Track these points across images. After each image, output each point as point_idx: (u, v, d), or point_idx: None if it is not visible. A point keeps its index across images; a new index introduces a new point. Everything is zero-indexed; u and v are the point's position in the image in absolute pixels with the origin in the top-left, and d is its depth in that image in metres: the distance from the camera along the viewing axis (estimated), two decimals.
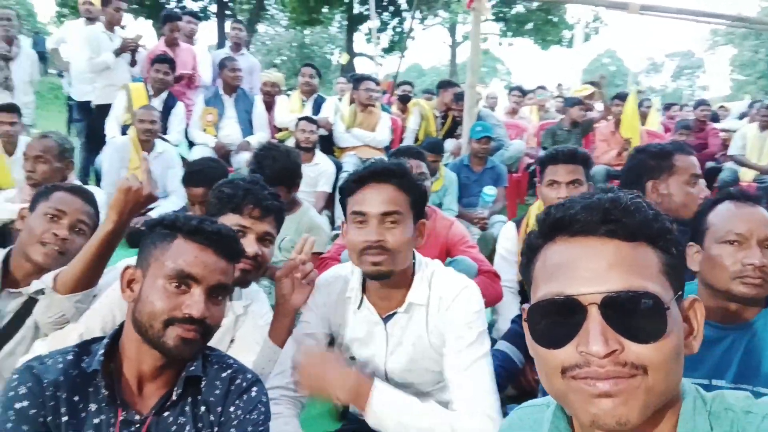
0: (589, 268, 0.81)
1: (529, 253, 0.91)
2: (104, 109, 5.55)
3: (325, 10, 26.42)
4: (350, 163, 5.32)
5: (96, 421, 1.26)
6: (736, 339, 1.62)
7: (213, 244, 1.35)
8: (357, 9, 26.07)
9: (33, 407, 1.20)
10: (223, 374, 1.39)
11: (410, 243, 1.68)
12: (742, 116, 9.19)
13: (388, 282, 1.69)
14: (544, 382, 0.85)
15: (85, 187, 2.14)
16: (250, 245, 1.77)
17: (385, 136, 5.72)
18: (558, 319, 0.81)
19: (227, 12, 26.70)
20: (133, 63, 5.91)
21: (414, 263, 1.75)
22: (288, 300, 1.78)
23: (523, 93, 8.26)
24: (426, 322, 1.72)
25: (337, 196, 2.01)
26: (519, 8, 25.13)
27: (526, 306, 0.89)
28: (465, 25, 27.94)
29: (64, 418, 1.23)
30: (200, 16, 26.10)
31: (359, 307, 1.77)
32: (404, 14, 27.89)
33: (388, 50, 27.65)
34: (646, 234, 0.83)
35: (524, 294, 2.83)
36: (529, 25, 25.69)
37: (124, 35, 5.84)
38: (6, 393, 1.22)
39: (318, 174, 4.87)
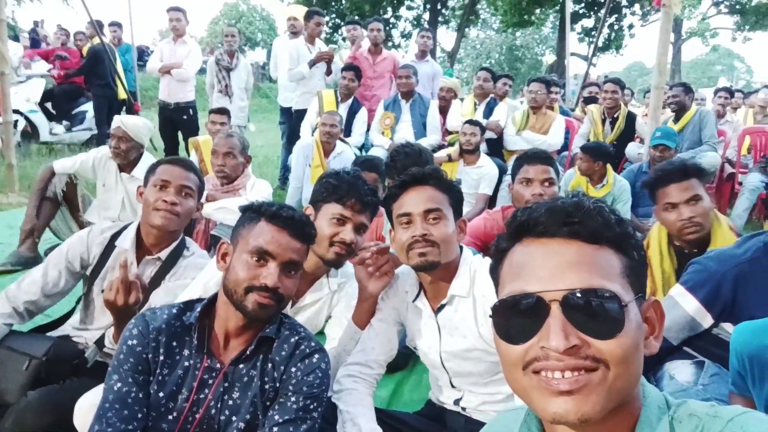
0: (551, 267, 0.85)
1: (498, 255, 0.95)
2: (301, 114, 6.29)
3: (537, 11, 25.98)
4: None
5: (186, 364, 1.59)
6: None
7: (288, 227, 1.60)
8: (571, 8, 25.23)
9: (139, 345, 1.56)
10: (292, 339, 1.64)
11: (453, 237, 1.80)
12: None
13: (435, 274, 1.81)
14: (507, 378, 0.89)
15: (185, 158, 2.44)
16: (348, 233, 1.97)
17: (557, 139, 5.59)
18: (521, 316, 0.85)
19: (440, 19, 27.65)
20: (328, 72, 6.56)
21: (460, 259, 1.84)
22: (365, 286, 1.96)
23: (732, 94, 7.38)
24: (474, 314, 1.80)
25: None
26: None
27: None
28: (689, 20, 25.44)
29: (161, 357, 1.57)
30: (414, 23, 27.62)
31: (414, 300, 1.92)
32: (624, 11, 26.28)
33: (603, 48, 26.27)
34: (607, 237, 0.86)
35: None
36: None
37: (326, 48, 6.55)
38: (124, 332, 1.60)
39: (480, 176, 4.97)
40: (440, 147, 5.69)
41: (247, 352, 1.60)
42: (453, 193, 1.86)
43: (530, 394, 0.84)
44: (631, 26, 26.97)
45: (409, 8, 27.52)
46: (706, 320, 2.09)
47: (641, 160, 5.35)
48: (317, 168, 5.17)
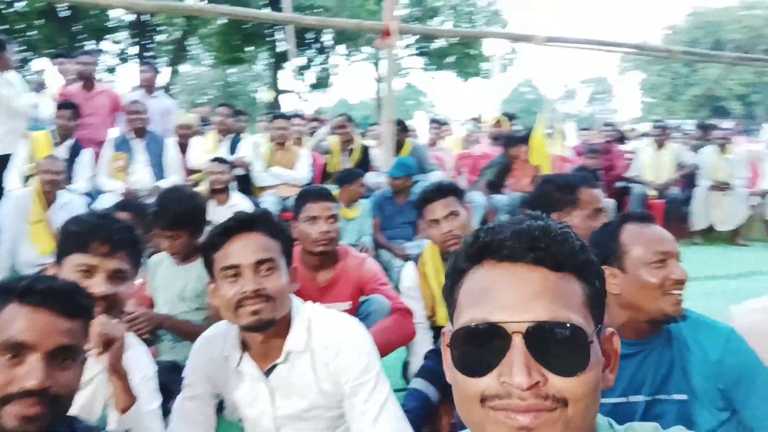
0: (515, 296, 0.79)
1: (454, 275, 0.88)
2: (2, 160, 5.23)
3: (249, 48, 26.43)
4: (270, 202, 5.23)
5: None
6: (647, 353, 1.65)
7: (47, 304, 1.21)
8: (282, 47, 26.19)
9: None
10: None
11: (288, 289, 1.64)
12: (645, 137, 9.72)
13: (268, 332, 1.60)
14: (461, 410, 0.83)
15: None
16: (98, 285, 1.59)
17: (305, 173, 5.67)
18: (481, 347, 0.79)
19: (146, 54, 26.20)
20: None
21: (291, 310, 1.68)
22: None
23: (441, 125, 8.46)
24: (313, 369, 1.64)
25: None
26: (441, 42, 25.94)
27: (447, 330, 0.86)
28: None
29: None
30: (121, 58, 25.74)
31: (238, 365, 1.68)
32: (328, 51, 28.26)
33: (315, 86, 27.84)
34: (572, 264, 0.82)
35: (436, 329, 2.81)
36: (450, 59, 26.53)
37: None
38: None
39: None
40: None
41: None
42: (284, 238, 1.67)
43: (487, 428, 0.79)
44: (336, 66, 29.13)
45: (115, 42, 25.62)
46: None
47: (381, 187, 5.73)
48: (39, 223, 4.39)
